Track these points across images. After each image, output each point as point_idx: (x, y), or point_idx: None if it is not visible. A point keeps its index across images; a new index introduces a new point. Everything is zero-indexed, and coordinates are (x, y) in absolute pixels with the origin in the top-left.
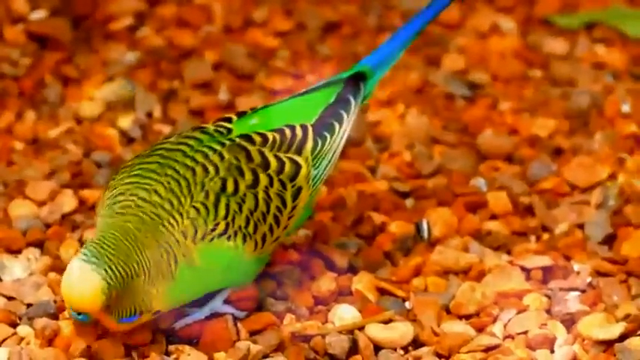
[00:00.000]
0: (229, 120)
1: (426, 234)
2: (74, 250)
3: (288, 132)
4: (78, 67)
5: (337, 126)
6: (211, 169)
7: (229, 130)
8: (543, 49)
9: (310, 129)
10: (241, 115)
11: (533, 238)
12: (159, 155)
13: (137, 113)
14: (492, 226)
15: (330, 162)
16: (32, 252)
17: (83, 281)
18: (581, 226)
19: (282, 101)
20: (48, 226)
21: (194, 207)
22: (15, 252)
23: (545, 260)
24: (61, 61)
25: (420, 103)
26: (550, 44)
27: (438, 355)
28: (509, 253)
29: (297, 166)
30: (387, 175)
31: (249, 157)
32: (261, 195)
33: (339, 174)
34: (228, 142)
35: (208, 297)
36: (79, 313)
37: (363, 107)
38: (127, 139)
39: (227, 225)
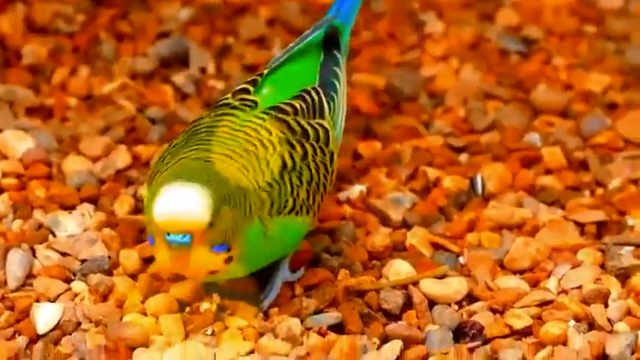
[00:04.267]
0: (247, 91)
1: (480, 189)
2: (128, 205)
3: (308, 98)
4: (132, 24)
5: (337, 84)
6: (268, 144)
7: (255, 103)
8: (598, 5)
9: (320, 91)
10: (254, 84)
11: (587, 192)
12: (207, 132)
13: (191, 69)
14: (546, 181)
15: (341, 120)
16: (86, 208)
17: (189, 197)
18: (635, 181)
19: (279, 66)
20: (102, 182)
21: (268, 182)
22: (69, 208)
23: (599, 215)
24: (116, 18)
25: (474, 58)
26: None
27: (492, 310)
28: (563, 208)
29: (327, 131)
30: (442, 131)
31: (291, 129)
32: (312, 166)
33: (393, 129)
34: (266, 117)
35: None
36: (182, 235)
37: (415, 62)
38: (181, 95)
39: (294, 201)
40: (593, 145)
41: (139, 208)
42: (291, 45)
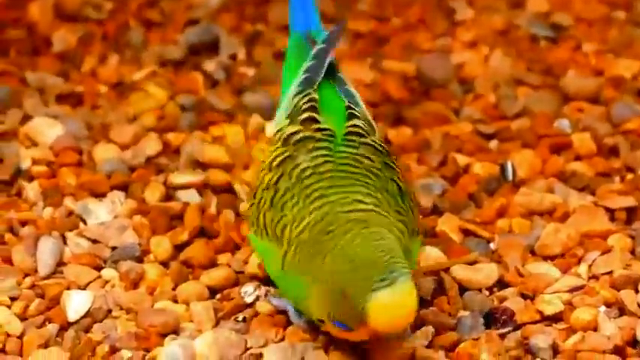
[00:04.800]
0: (317, 120)
1: (510, 175)
2: (159, 193)
3: (357, 114)
4: (162, 11)
5: (352, 90)
6: (378, 172)
7: (333, 131)
8: None
9: (353, 105)
10: (316, 111)
11: (617, 178)
12: (319, 175)
13: (221, 56)
14: (576, 167)
15: None
16: (117, 195)
17: (410, 299)
18: None
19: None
20: (132, 169)
21: (397, 211)
22: (99, 195)
23: (629, 201)
24: (145, 5)
25: (504, 45)
26: None
27: (523, 295)
28: (593, 193)
29: (385, 144)
30: (472, 117)
31: (379, 151)
32: (402, 184)
33: (423, 116)
34: (356, 144)
35: None
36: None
37: (445, 49)
38: (212, 82)
39: (415, 221)
40: (623, 131)
41: (169, 195)
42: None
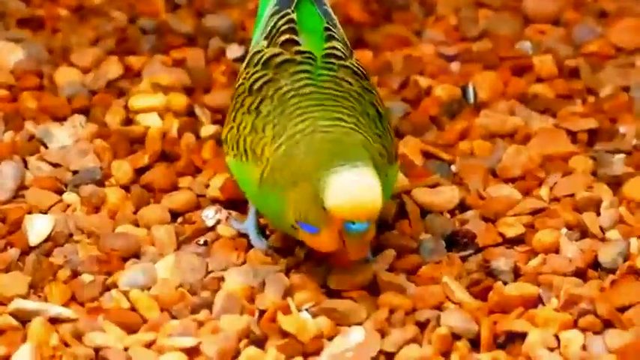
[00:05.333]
0: (298, 42)
1: (471, 97)
2: (120, 116)
3: (336, 36)
4: None
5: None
6: (357, 96)
7: (313, 54)
8: None
9: (332, 27)
10: (295, 32)
11: (578, 101)
12: (300, 96)
13: None
14: (538, 89)
15: None
16: (78, 119)
17: (369, 183)
18: (626, 89)
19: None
20: (93, 92)
21: (377, 134)
22: (61, 119)
23: (590, 123)
24: None
25: None
26: None
27: (484, 218)
28: (554, 116)
29: (362, 67)
30: (433, 39)
31: (357, 74)
32: (381, 108)
33: (384, 38)
34: (335, 67)
35: None
36: (366, 222)
37: None
38: (172, 5)
39: (393, 146)
40: (584, 54)
41: (130, 118)
42: None
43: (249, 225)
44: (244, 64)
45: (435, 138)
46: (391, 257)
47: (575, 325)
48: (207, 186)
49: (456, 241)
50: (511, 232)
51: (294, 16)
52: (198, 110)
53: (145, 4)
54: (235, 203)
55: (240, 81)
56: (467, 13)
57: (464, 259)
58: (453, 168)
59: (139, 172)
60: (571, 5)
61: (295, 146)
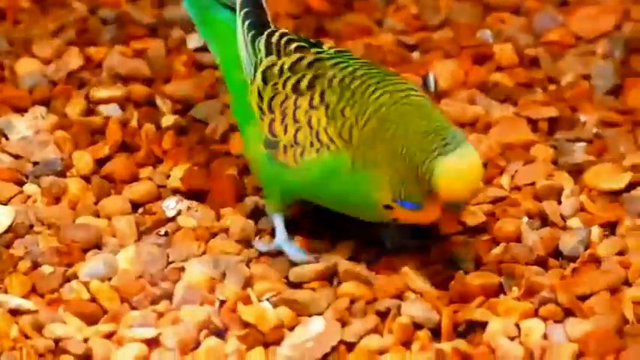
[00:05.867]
0: (309, 45)
1: (432, 86)
2: (81, 107)
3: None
4: None
5: None
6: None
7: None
8: None
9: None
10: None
11: (539, 89)
12: (359, 78)
13: None
14: (498, 78)
15: None
16: (39, 110)
17: (479, 164)
18: (587, 77)
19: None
20: (54, 83)
21: None
22: (21, 110)
23: (551, 111)
24: None
25: None
26: None
27: None
28: (515, 104)
29: None
30: (394, 28)
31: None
32: None
33: (345, 27)
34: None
35: None
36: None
37: None
38: None
39: None
40: (544, 42)
41: (91, 109)
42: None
43: (281, 241)
44: (258, 83)
45: None
46: (351, 247)
47: (536, 313)
48: (168, 176)
49: (417, 230)
50: (472, 221)
51: (282, 30)
52: (158, 100)
53: None
54: (196, 194)
55: (271, 93)
56: (427, 2)
57: (425, 248)
58: None
59: (100, 162)
60: None
61: (385, 120)
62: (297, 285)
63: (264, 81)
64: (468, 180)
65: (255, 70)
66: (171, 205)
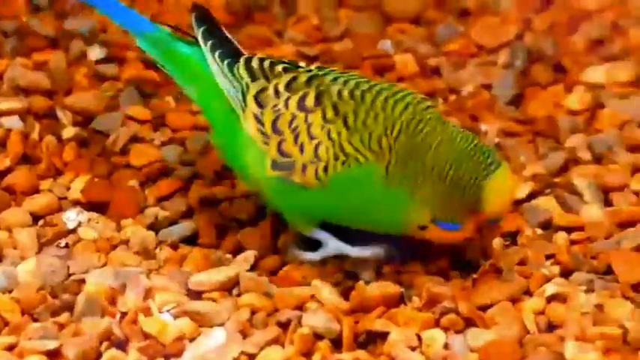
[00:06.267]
0: (294, 65)
1: None
2: None
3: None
4: None
5: None
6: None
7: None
8: None
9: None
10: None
11: (440, 99)
12: (368, 90)
13: None
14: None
15: None
16: None
17: (515, 182)
18: (488, 87)
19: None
20: None
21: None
22: None
23: (452, 121)
24: None
25: None
26: None
27: None
28: None
29: None
30: (294, 39)
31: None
32: None
33: (246, 38)
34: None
35: None
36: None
37: None
38: (33, 8)
39: None
40: (445, 52)
41: None
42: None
43: (337, 244)
44: (252, 108)
45: None
46: (252, 258)
47: (436, 324)
48: (69, 188)
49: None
50: None
51: (254, 55)
52: (59, 113)
53: (5, 6)
54: (97, 206)
55: (272, 115)
56: (328, 13)
57: (325, 259)
58: None
59: (1, 174)
60: (432, 4)
61: (418, 136)
62: (197, 296)
63: (260, 105)
64: (511, 196)
65: (245, 97)
66: (71, 217)
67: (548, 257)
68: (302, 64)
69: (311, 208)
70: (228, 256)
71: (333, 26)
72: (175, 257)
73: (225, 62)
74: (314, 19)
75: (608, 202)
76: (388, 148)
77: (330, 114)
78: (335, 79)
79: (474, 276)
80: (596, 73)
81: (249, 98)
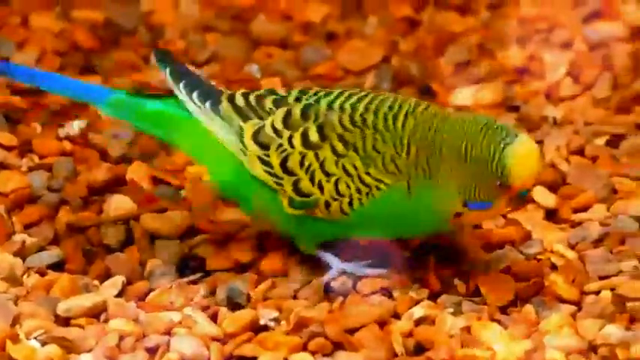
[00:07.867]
0: (284, 96)
1: None
2: None
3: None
4: None
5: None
6: None
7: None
8: None
9: None
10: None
11: None
12: (368, 112)
13: None
14: None
15: None
16: None
17: (537, 148)
18: None
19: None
20: None
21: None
22: None
23: None
24: None
25: None
26: None
27: (215, 242)
28: None
29: None
30: None
31: None
32: None
33: (113, 64)
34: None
35: None
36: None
37: None
38: None
39: None
40: (312, 76)
41: None
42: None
43: (342, 265)
44: (255, 151)
45: (163, 163)
46: (120, 283)
47: (305, 347)
48: None
49: (186, 266)
50: (241, 257)
51: (234, 92)
52: None
53: None
54: None
55: (279, 156)
56: (195, 37)
57: (194, 283)
58: (182, 193)
59: None
60: (299, 28)
61: (425, 138)
62: (65, 322)
63: (262, 147)
64: (535, 163)
65: (241, 139)
66: None
67: (415, 280)
68: (281, 90)
69: (334, 235)
70: (96, 282)
71: (200, 50)
72: (43, 284)
73: (208, 103)
74: (180, 43)
75: (477, 225)
76: (404, 165)
77: (340, 147)
78: (329, 105)
79: (341, 299)
80: (463, 95)
81: (247, 141)
